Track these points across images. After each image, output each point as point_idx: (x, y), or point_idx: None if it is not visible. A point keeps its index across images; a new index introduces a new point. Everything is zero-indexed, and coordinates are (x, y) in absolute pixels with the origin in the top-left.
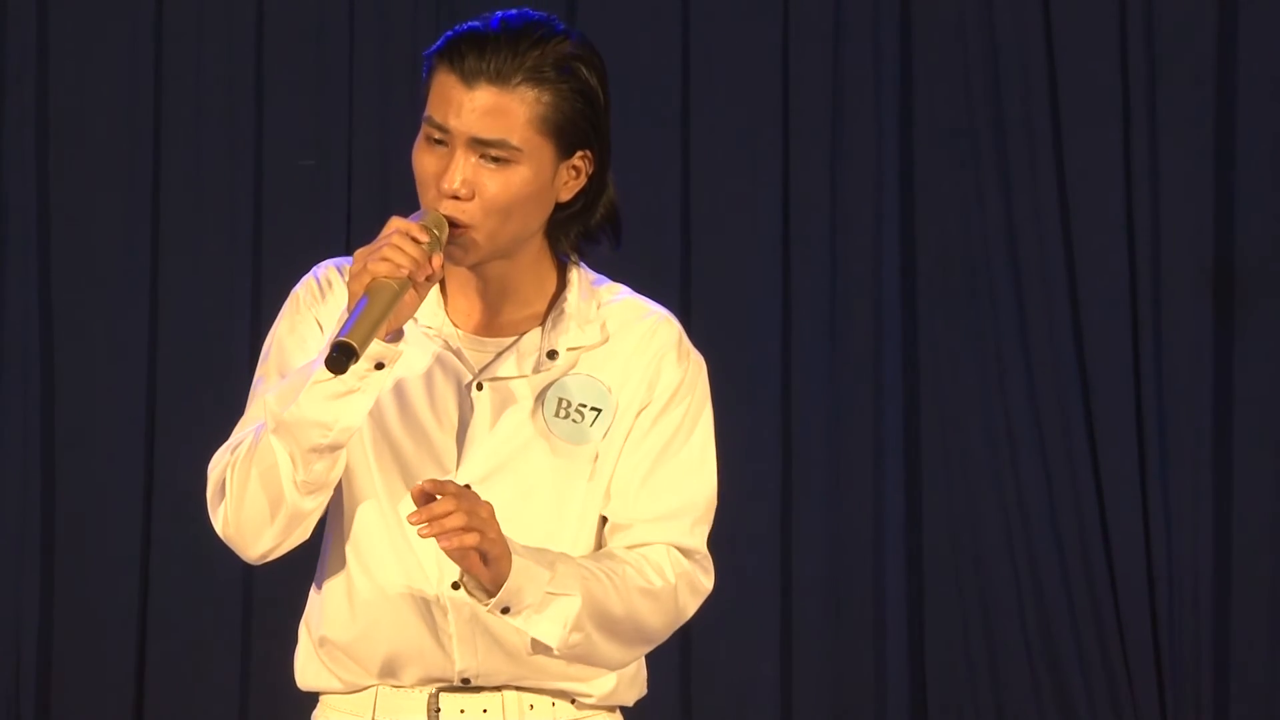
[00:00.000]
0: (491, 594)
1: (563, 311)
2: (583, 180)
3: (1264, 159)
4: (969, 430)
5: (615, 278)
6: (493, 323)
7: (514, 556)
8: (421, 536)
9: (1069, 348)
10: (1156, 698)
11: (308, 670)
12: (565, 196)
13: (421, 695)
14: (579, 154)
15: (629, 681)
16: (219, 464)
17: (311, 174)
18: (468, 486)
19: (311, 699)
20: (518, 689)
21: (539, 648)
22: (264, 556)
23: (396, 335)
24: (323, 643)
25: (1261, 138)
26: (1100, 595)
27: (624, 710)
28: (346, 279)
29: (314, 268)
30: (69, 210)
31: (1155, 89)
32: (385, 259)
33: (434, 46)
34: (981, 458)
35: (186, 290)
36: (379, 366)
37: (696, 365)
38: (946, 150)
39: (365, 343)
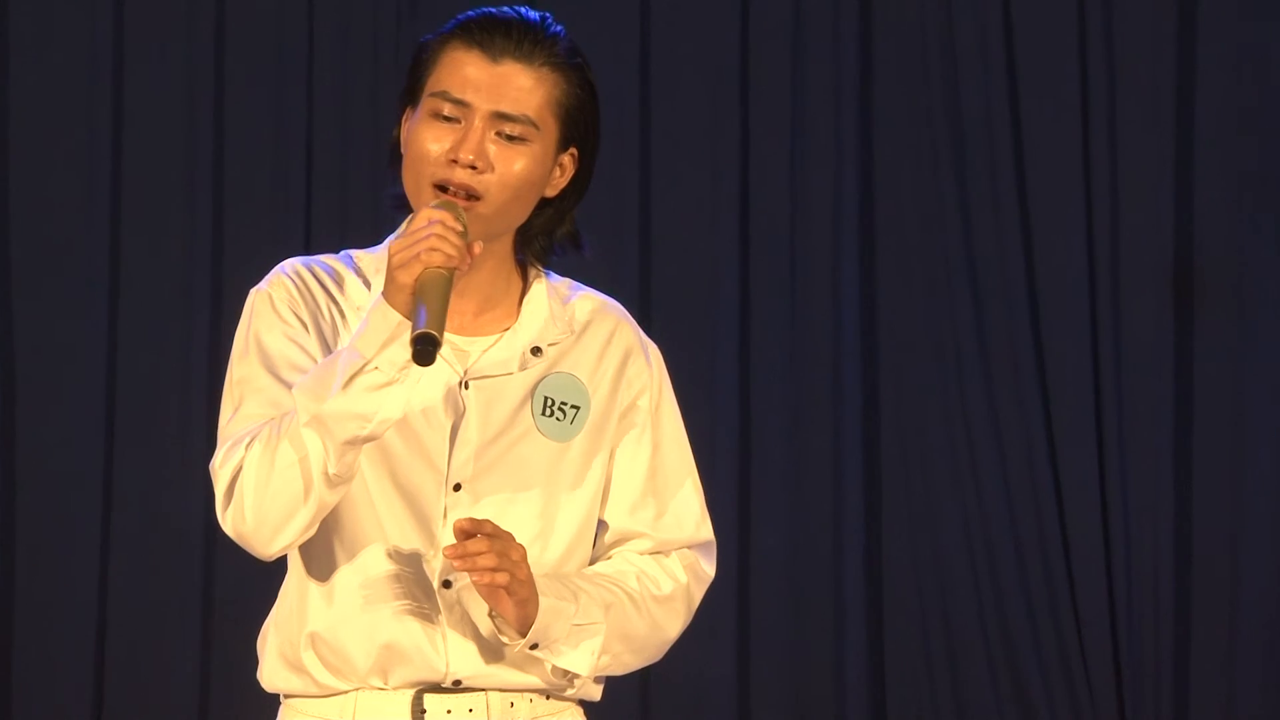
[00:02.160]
0: (520, 633)
1: (537, 308)
2: (567, 179)
3: (1222, 158)
4: (928, 430)
5: (576, 275)
6: (471, 321)
7: (540, 597)
8: (456, 569)
9: (1028, 347)
10: (1115, 697)
11: (277, 674)
12: (551, 192)
13: (405, 697)
14: (571, 149)
15: (593, 683)
16: (229, 462)
17: (270, 171)
18: (488, 524)
19: (272, 700)
20: (501, 690)
21: (564, 674)
22: (281, 551)
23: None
24: (313, 640)
25: (1220, 137)
26: (1059, 595)
27: (586, 710)
28: (299, 274)
29: (278, 268)
30: (28, 208)
31: (1114, 89)
32: (436, 249)
33: (444, 29)
34: (940, 457)
35: (147, 287)
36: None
37: (658, 358)
38: (906, 151)
39: (442, 330)
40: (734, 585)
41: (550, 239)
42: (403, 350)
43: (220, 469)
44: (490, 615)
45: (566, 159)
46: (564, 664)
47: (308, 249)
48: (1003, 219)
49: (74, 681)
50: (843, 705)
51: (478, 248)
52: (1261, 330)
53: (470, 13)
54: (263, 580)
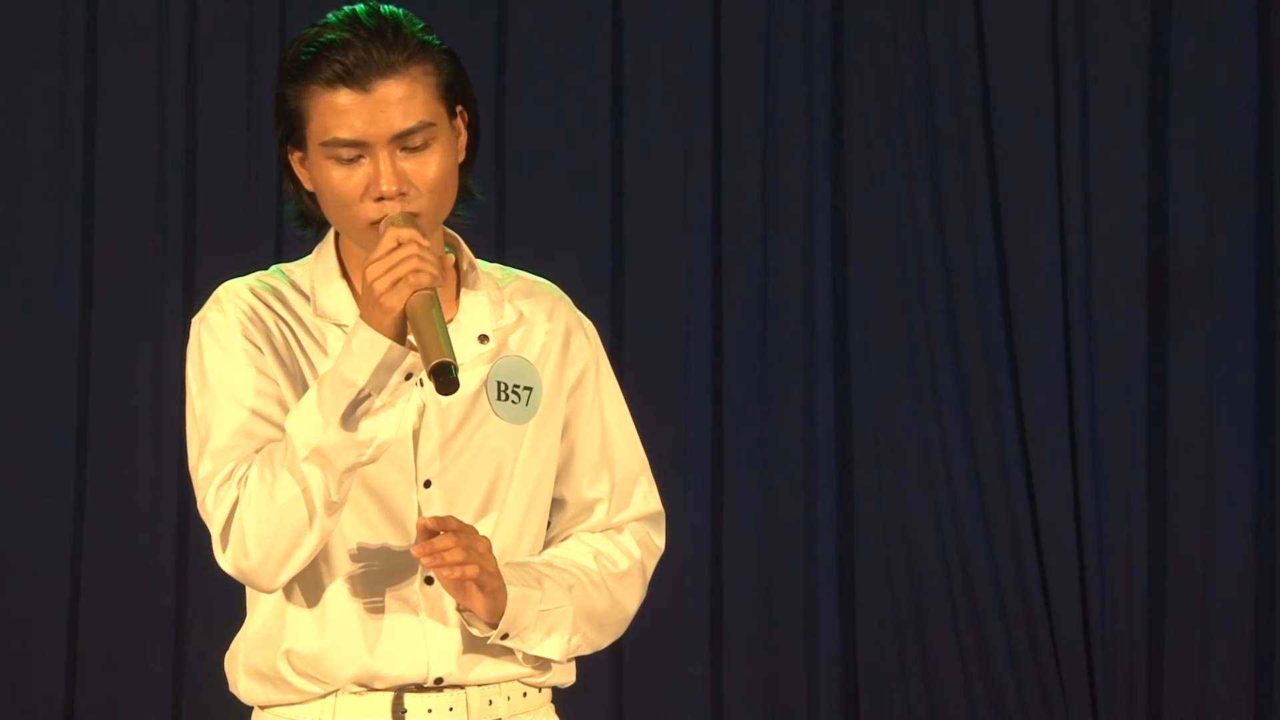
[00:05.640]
0: (490, 624)
1: (476, 296)
2: (465, 135)
3: (1196, 157)
4: (901, 432)
5: (545, 276)
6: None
7: (508, 586)
8: (427, 566)
9: (1001, 349)
10: (1088, 694)
11: (253, 688)
12: (461, 156)
13: (385, 699)
14: (459, 110)
15: (565, 664)
16: (222, 502)
17: (243, 169)
18: (451, 520)
19: (247, 706)
20: (480, 685)
21: (536, 660)
22: (283, 584)
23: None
24: (290, 655)
25: (1195, 138)
26: (1032, 595)
27: (559, 708)
28: (241, 297)
29: (217, 294)
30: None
31: (1087, 91)
32: (420, 270)
33: (290, 76)
34: (913, 458)
35: (118, 290)
36: (408, 377)
37: (594, 332)
38: (878, 152)
39: (454, 353)
40: (707, 584)
41: (460, 200)
42: (395, 374)
43: (214, 510)
44: (458, 609)
45: (459, 122)
46: (536, 651)
47: (279, 248)
48: (975, 218)
49: (45, 684)
50: (815, 704)
51: (447, 260)
52: (1234, 329)
53: (305, 49)
54: (236, 586)
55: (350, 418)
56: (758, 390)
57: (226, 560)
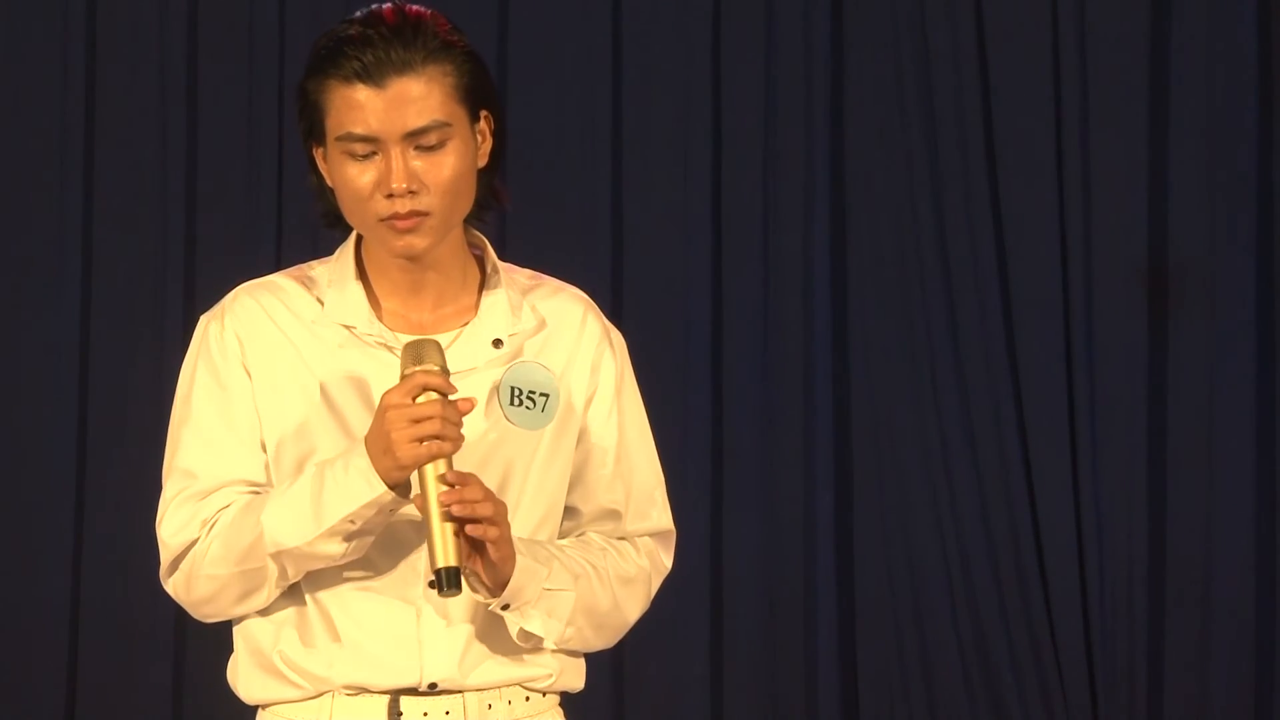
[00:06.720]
0: (493, 591)
1: (495, 299)
2: (490, 140)
3: (1196, 157)
4: (900, 432)
5: (552, 274)
6: (429, 321)
7: (517, 556)
8: (455, 514)
9: (1001, 348)
10: (1088, 695)
11: (253, 685)
12: (483, 161)
13: (381, 702)
14: (483, 114)
15: (574, 669)
16: (179, 536)
17: (243, 174)
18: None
19: (247, 708)
20: (478, 690)
21: (530, 639)
22: (212, 621)
23: (406, 488)
24: (286, 653)
25: (1195, 138)
26: (1032, 596)
27: (562, 708)
28: (247, 309)
29: (224, 306)
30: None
31: (1087, 88)
32: (444, 438)
33: (313, 68)
34: (913, 458)
35: (118, 290)
36: (392, 510)
37: (622, 343)
38: (878, 151)
39: (462, 558)
40: (707, 586)
41: (484, 205)
42: (385, 517)
43: (170, 540)
44: (462, 568)
45: (483, 126)
46: (531, 628)
47: (279, 253)
48: (975, 218)
49: (45, 685)
50: (815, 704)
51: (466, 405)
52: (1234, 329)
53: (327, 44)
54: None
55: (325, 534)
56: (758, 390)
57: (168, 585)
